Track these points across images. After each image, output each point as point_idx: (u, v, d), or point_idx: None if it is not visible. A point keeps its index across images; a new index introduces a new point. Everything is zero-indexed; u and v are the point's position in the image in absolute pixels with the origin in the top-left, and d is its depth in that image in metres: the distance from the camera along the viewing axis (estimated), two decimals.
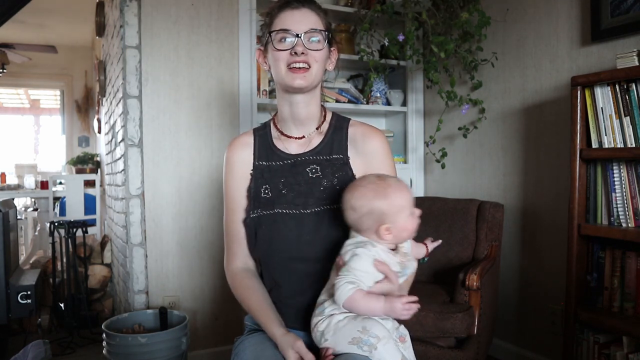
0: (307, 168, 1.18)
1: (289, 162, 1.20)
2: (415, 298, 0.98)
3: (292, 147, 1.22)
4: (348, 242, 1.05)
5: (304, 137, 1.22)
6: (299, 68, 1.12)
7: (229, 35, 2.46)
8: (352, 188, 1.06)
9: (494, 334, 2.31)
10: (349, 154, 1.20)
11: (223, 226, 1.26)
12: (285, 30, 1.12)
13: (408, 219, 1.03)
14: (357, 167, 1.19)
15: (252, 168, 1.22)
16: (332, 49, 1.20)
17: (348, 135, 1.22)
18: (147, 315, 2.21)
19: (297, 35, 1.11)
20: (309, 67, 1.12)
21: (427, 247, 1.11)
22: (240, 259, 1.23)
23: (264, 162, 1.21)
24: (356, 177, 1.19)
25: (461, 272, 1.95)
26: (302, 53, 1.11)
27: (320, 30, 1.14)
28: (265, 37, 1.18)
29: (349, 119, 1.26)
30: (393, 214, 1.01)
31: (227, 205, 1.24)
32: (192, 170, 2.41)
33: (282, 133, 1.23)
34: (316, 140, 1.22)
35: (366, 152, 1.20)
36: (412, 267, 1.08)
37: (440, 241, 1.14)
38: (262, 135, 1.25)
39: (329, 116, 1.26)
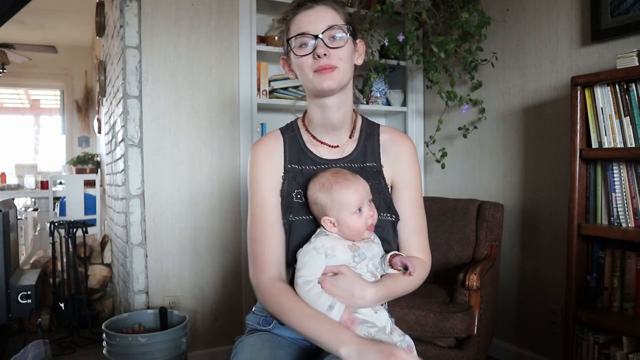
0: None
1: (322, 168, 1.15)
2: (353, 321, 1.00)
3: (325, 152, 1.18)
4: None
5: (338, 146, 1.18)
6: (325, 69, 1.07)
7: (229, 35, 2.46)
8: (312, 178, 1.10)
9: (494, 334, 2.31)
10: (382, 161, 1.19)
11: (247, 233, 1.15)
12: (303, 34, 1.07)
13: (351, 218, 1.04)
14: (387, 173, 1.19)
15: (283, 170, 1.16)
16: (357, 41, 1.14)
17: (380, 142, 1.21)
18: (147, 315, 2.21)
19: (316, 37, 1.06)
20: (335, 67, 1.07)
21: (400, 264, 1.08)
22: (275, 268, 1.10)
23: (296, 166, 1.16)
24: (387, 184, 1.18)
25: (461, 272, 1.95)
26: (325, 54, 1.06)
27: (340, 25, 1.08)
28: (286, 46, 1.13)
29: (379, 125, 1.24)
30: (335, 209, 1.05)
31: (258, 206, 1.13)
32: (192, 170, 2.41)
33: (314, 137, 1.19)
34: (350, 147, 1.19)
35: (395, 158, 1.19)
36: (371, 250, 1.07)
37: (409, 270, 1.07)
38: (292, 137, 1.19)
39: (359, 121, 1.22)
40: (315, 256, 1.04)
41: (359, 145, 1.19)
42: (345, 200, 1.04)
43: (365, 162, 1.18)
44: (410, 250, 1.17)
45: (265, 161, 1.16)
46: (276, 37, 2.49)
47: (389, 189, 1.19)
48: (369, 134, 1.21)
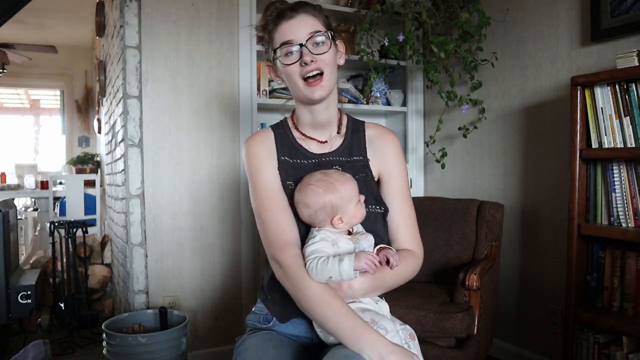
0: (330, 168, 1.19)
1: (313, 162, 1.21)
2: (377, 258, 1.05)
3: (314, 147, 1.24)
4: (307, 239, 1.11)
5: (326, 141, 1.24)
6: (315, 79, 1.13)
7: (229, 35, 2.46)
8: (303, 187, 1.11)
9: (494, 334, 2.31)
10: (369, 155, 1.24)
11: (258, 219, 1.16)
12: (288, 43, 1.12)
13: (357, 207, 1.10)
14: (374, 166, 1.24)
15: (277, 162, 1.20)
16: (337, 42, 1.21)
17: (366, 137, 1.26)
18: (147, 315, 2.21)
19: (301, 45, 1.12)
20: (322, 72, 1.13)
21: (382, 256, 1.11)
22: (297, 246, 1.10)
23: (288, 159, 1.21)
24: (374, 177, 1.23)
25: (461, 272, 1.95)
26: (312, 61, 1.12)
27: (322, 32, 1.14)
28: (270, 54, 1.18)
29: (363, 122, 1.30)
30: (344, 204, 1.09)
31: (264, 190, 1.15)
32: (192, 170, 2.41)
33: (304, 134, 1.24)
34: (337, 142, 1.25)
35: (382, 152, 1.25)
36: (366, 240, 1.11)
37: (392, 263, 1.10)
38: (282, 134, 1.24)
39: (344, 119, 1.28)
40: (324, 243, 1.07)
41: (345, 141, 1.25)
42: (350, 192, 1.10)
43: (352, 156, 1.23)
44: (401, 242, 1.21)
45: (262, 152, 1.20)
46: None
47: (376, 182, 1.24)
48: (355, 131, 1.27)
